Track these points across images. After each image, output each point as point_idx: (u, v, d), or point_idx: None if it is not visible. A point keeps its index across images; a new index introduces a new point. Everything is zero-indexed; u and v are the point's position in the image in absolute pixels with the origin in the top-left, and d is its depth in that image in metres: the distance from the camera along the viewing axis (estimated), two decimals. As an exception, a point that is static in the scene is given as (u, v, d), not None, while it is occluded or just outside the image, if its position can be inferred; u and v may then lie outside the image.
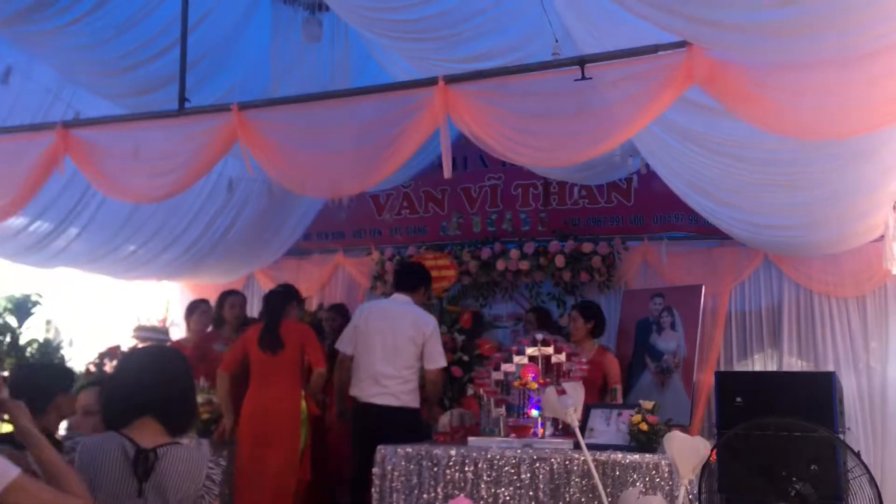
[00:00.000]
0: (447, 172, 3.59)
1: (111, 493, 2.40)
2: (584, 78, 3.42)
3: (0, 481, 2.07)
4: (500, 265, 7.33)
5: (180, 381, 2.63)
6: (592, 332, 5.82)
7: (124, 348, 5.56)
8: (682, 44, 3.15)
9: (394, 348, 5.28)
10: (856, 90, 2.90)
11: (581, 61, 3.43)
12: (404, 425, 5.12)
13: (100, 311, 7.66)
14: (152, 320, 6.19)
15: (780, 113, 2.99)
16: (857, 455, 3.91)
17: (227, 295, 6.30)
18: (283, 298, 5.59)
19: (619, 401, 5.50)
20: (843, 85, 2.91)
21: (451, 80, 3.77)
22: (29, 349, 5.74)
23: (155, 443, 2.47)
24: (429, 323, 5.42)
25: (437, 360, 5.37)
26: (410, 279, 5.63)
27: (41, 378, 3.29)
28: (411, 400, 5.29)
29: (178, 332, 7.39)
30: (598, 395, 5.53)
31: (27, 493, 2.09)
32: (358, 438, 5.23)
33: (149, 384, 2.52)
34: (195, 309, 6.31)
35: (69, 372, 3.58)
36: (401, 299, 5.53)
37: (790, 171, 3.94)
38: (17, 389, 3.01)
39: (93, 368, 5.57)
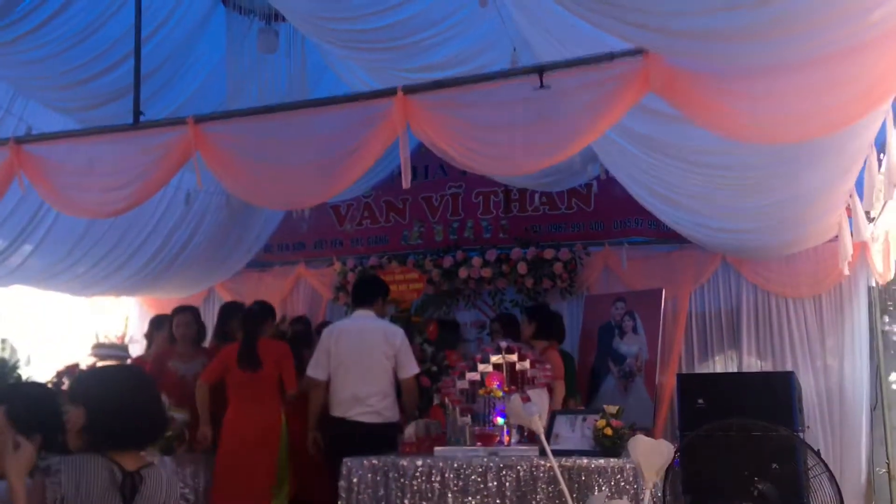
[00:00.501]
0: (406, 183, 3.59)
1: None
2: (542, 86, 3.44)
3: None
4: (463, 273, 7.34)
5: (157, 403, 2.72)
6: (536, 333, 5.84)
7: (83, 366, 5.44)
8: (638, 51, 3.18)
9: (369, 367, 5.38)
10: (813, 94, 2.94)
11: (539, 69, 3.45)
12: (388, 440, 5.18)
13: (57, 329, 7.49)
14: (111, 337, 6.07)
15: (738, 118, 3.03)
16: (817, 454, 3.99)
17: (175, 313, 6.16)
18: (259, 317, 5.66)
19: (562, 395, 5.51)
20: (801, 89, 2.95)
21: (410, 90, 3.76)
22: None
23: (136, 465, 2.54)
24: (397, 334, 5.52)
25: (410, 368, 5.48)
26: (368, 292, 5.70)
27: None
28: (392, 414, 5.42)
29: (136, 348, 7.25)
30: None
31: None
32: (339, 457, 5.16)
33: (136, 413, 2.56)
34: (161, 325, 6.23)
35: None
36: (363, 314, 5.57)
37: (747, 176, 4.01)
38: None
39: (50, 387, 5.45)
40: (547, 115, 3.52)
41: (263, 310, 5.79)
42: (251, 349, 5.46)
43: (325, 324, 6.72)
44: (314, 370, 5.47)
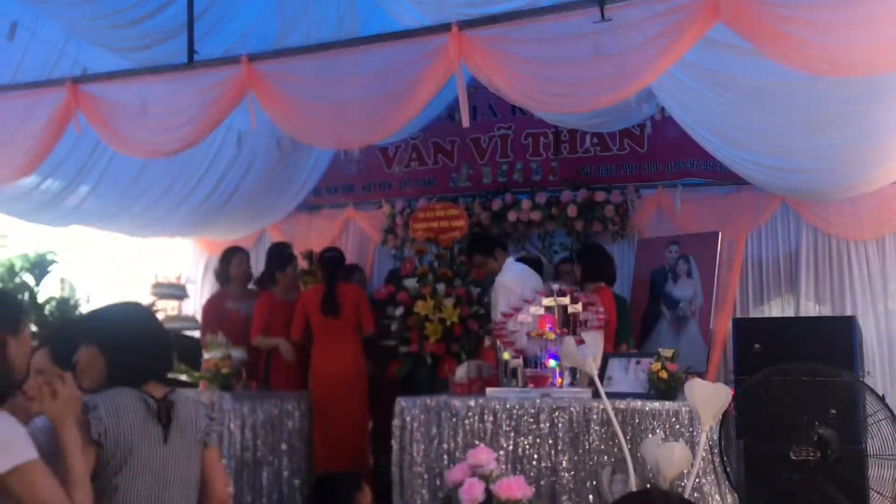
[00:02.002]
0: (465, 121, 3.53)
1: (141, 443, 2.45)
2: (603, 19, 3.32)
3: (11, 459, 2.06)
4: (512, 216, 7.26)
5: (165, 334, 2.79)
6: (584, 274, 5.76)
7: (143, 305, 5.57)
8: (707, -21, 3.04)
9: None
10: (885, 25, 2.81)
11: (600, 1, 3.32)
12: None
13: (116, 268, 7.65)
14: (169, 277, 6.19)
15: (808, 50, 2.90)
16: (882, 398, 3.90)
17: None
18: (337, 263, 6.02)
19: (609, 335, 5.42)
20: (873, 20, 2.82)
21: (465, 25, 3.68)
22: (47, 307, 5.76)
23: (162, 392, 2.59)
24: None
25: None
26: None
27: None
28: None
29: (193, 288, 7.39)
30: None
31: (32, 482, 2.08)
32: None
33: (150, 344, 2.62)
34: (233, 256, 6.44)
35: None
36: None
37: (814, 114, 3.86)
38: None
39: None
40: (608, 50, 3.42)
41: (341, 256, 6.16)
42: (332, 295, 5.81)
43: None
44: None
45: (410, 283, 6.05)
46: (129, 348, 2.55)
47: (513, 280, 5.37)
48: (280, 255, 6.22)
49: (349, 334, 5.88)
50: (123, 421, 2.43)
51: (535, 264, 6.31)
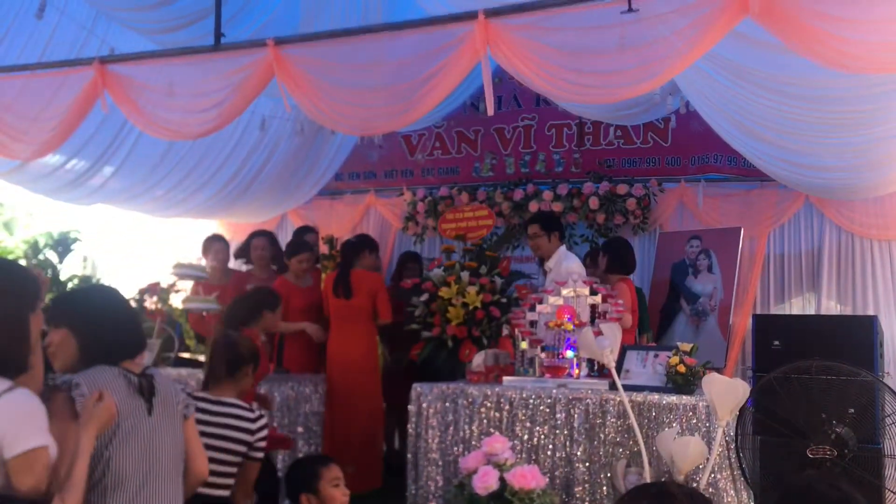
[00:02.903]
0: (490, 109, 3.52)
1: (129, 416, 2.54)
2: (630, 10, 3.30)
3: (23, 444, 2.13)
4: (533, 206, 7.25)
5: (134, 315, 2.93)
6: (609, 266, 5.79)
7: (164, 285, 5.63)
8: (736, -27, 3.01)
9: None
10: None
11: (629, -8, 3.30)
12: None
13: (139, 248, 7.73)
14: (190, 258, 6.25)
15: (839, 46, 2.87)
16: (901, 399, 3.87)
17: (252, 237, 6.49)
18: (354, 248, 6.13)
19: (626, 326, 5.38)
20: (906, 17, 2.78)
21: (492, 13, 3.66)
22: (70, 284, 5.84)
23: (139, 368, 2.67)
24: None
25: None
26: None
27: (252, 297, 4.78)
28: None
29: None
30: None
31: (35, 469, 2.14)
32: None
33: (121, 324, 2.69)
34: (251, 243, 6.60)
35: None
36: None
37: (843, 110, 3.82)
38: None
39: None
40: (634, 42, 3.39)
41: (360, 242, 6.22)
42: (345, 278, 5.94)
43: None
44: None
45: (437, 272, 6.08)
46: (105, 327, 2.62)
47: (578, 266, 5.49)
48: (292, 243, 6.34)
49: (362, 318, 5.99)
50: (107, 396, 2.49)
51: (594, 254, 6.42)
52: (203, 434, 3.11)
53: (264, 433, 3.57)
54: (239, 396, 3.65)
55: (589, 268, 6.08)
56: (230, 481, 3.45)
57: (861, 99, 3.66)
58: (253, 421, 3.53)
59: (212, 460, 3.09)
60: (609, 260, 5.83)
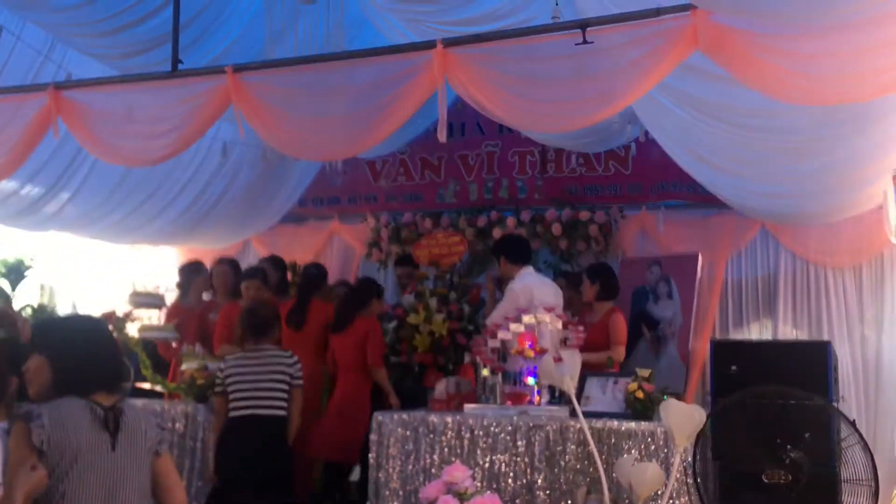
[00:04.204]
0: (442, 136, 3.56)
1: (89, 451, 2.49)
2: (585, 42, 3.36)
3: None
4: (497, 233, 7.28)
5: (115, 348, 2.83)
6: (600, 293, 5.65)
7: (119, 314, 5.53)
8: (686, 7, 3.08)
9: None
10: (863, 55, 2.85)
11: (583, 24, 3.36)
12: None
13: (95, 275, 7.61)
14: (147, 286, 6.17)
15: (787, 79, 2.94)
16: (853, 424, 3.92)
17: (216, 264, 6.34)
18: (313, 280, 6.05)
19: (619, 359, 5.37)
20: (851, 50, 2.87)
21: (450, 43, 3.71)
22: (23, 313, 5.72)
23: (111, 401, 2.61)
24: None
25: None
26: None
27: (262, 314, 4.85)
28: None
29: (172, 297, 7.35)
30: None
31: None
32: None
33: (97, 356, 2.64)
34: (199, 271, 6.42)
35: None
36: None
37: (792, 139, 3.91)
38: None
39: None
40: (590, 71, 3.46)
41: (318, 273, 6.15)
42: (300, 309, 5.80)
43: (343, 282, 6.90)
44: None
45: (408, 299, 6.22)
46: (76, 358, 2.58)
47: (520, 288, 5.17)
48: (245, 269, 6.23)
49: (311, 350, 5.67)
50: (69, 429, 2.45)
51: (567, 277, 6.32)
52: (253, 374, 4.67)
53: (298, 365, 4.78)
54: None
55: (568, 293, 5.83)
56: (284, 404, 4.71)
57: (809, 129, 3.75)
58: (289, 357, 4.79)
59: (266, 390, 4.66)
60: (601, 287, 5.66)
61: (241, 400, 4.66)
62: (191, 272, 6.48)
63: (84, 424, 2.49)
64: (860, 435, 3.91)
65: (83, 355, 2.60)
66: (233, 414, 4.67)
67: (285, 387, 4.71)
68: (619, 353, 5.42)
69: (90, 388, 2.57)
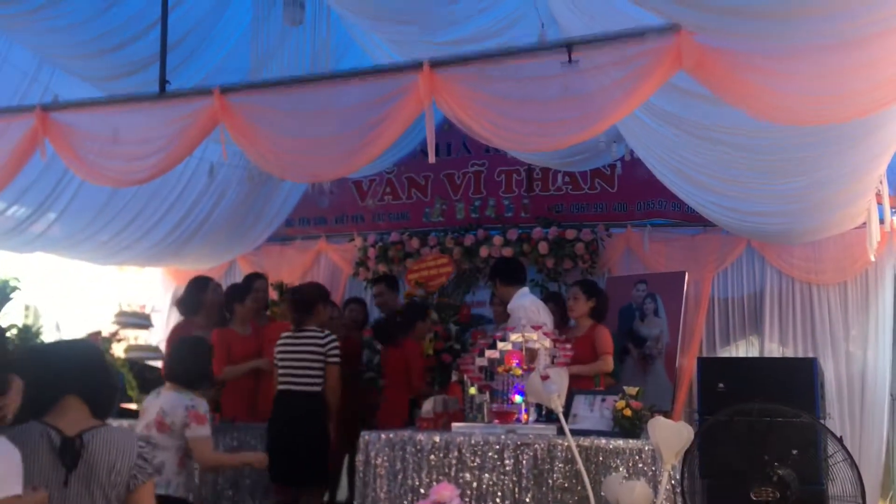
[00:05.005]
0: (431, 157, 3.57)
1: (40, 485, 2.33)
2: (570, 62, 3.39)
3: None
4: (484, 252, 7.32)
5: (99, 364, 2.65)
6: (593, 311, 5.64)
7: (105, 333, 5.50)
8: (670, 28, 3.12)
9: None
10: (846, 75, 2.90)
11: (568, 45, 3.40)
12: None
13: (81, 296, 7.56)
14: (133, 306, 6.12)
15: (771, 99, 2.98)
16: (840, 440, 3.94)
17: (207, 281, 6.25)
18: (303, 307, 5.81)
19: (608, 369, 5.43)
20: (834, 70, 2.91)
21: (437, 64, 3.73)
22: (8, 334, 5.65)
23: (79, 428, 2.43)
24: None
25: None
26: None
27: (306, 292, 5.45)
28: None
29: (158, 318, 7.30)
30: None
31: None
32: None
33: (72, 365, 2.52)
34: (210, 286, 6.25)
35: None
36: None
37: (778, 158, 3.95)
38: None
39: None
40: (575, 91, 3.48)
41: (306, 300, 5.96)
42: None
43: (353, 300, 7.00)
44: None
45: None
46: (38, 380, 2.47)
47: (531, 303, 5.43)
48: (239, 287, 6.20)
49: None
50: (27, 461, 2.28)
51: (557, 300, 6.30)
52: (292, 353, 5.29)
53: (334, 345, 5.26)
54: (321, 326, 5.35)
55: (556, 313, 5.87)
56: (319, 381, 5.23)
57: (793, 148, 3.79)
58: (322, 338, 5.28)
59: (301, 367, 5.23)
60: (596, 306, 5.65)
61: (281, 376, 5.29)
62: (198, 289, 6.25)
63: (35, 455, 2.33)
64: (847, 451, 3.92)
65: (51, 367, 2.48)
66: (278, 388, 5.30)
67: (319, 364, 5.21)
68: (608, 362, 5.45)
69: (52, 404, 2.43)
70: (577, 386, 4.84)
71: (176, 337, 5.98)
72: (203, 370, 4.40)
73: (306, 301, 5.37)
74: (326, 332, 5.33)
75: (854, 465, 3.88)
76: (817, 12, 2.57)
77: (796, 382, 4.80)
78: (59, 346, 2.72)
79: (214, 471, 4.91)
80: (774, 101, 3.05)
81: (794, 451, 4.06)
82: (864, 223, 5.25)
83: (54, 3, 4.42)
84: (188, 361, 4.34)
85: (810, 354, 6.15)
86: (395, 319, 6.31)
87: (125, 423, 5.11)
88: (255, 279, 6.27)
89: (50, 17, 4.48)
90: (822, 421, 4.63)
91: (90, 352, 2.71)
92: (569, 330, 5.71)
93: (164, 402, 4.20)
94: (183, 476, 4.17)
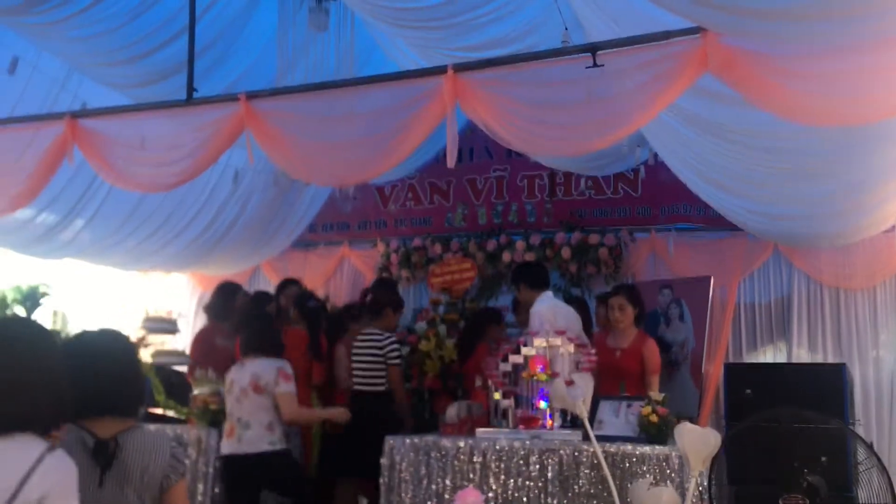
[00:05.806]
0: (451, 161, 3.57)
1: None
2: (595, 65, 3.38)
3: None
4: (507, 257, 7.30)
5: (131, 369, 2.59)
6: (637, 319, 5.38)
7: (132, 339, 5.54)
8: (695, 30, 3.11)
9: None
10: (874, 76, 2.86)
11: (593, 48, 3.39)
12: None
13: (110, 301, 7.64)
14: (160, 311, 6.17)
15: (797, 100, 2.95)
16: (870, 447, 3.89)
17: (237, 288, 6.28)
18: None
19: (653, 391, 5.01)
20: (861, 71, 2.88)
21: (461, 68, 3.74)
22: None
23: (113, 431, 2.42)
24: None
25: None
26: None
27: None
28: None
29: (184, 323, 7.37)
30: (638, 385, 5.15)
31: None
32: None
33: (104, 379, 2.45)
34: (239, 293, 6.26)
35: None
36: None
37: (805, 161, 3.91)
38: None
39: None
40: (600, 95, 3.47)
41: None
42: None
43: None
44: None
45: (421, 325, 6.43)
46: (71, 381, 2.30)
47: (547, 308, 5.23)
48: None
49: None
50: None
51: (580, 305, 6.23)
52: (358, 355, 5.53)
53: (393, 346, 5.50)
54: (386, 330, 5.61)
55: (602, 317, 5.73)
56: (380, 381, 5.47)
57: (822, 151, 3.76)
58: (382, 339, 5.50)
59: (364, 369, 5.48)
60: (640, 313, 5.36)
61: (352, 377, 5.57)
62: (228, 294, 6.25)
63: (74, 457, 2.27)
64: (878, 458, 3.87)
65: (84, 381, 2.38)
66: (351, 389, 5.58)
67: (381, 365, 5.46)
68: (654, 383, 5.16)
69: (86, 416, 2.40)
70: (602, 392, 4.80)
71: (200, 341, 6.03)
72: (277, 339, 5.07)
73: (374, 303, 5.66)
74: (386, 334, 5.53)
75: (885, 472, 3.83)
76: (845, 14, 2.54)
77: (825, 388, 4.76)
78: (96, 350, 2.53)
79: (297, 423, 5.27)
80: (802, 102, 3.02)
81: (824, 458, 4.02)
82: (894, 227, 5.18)
83: (84, 12, 4.48)
84: (266, 334, 5.02)
85: (839, 360, 6.07)
86: (364, 297, 6.13)
87: (152, 427, 5.14)
88: (239, 288, 6.33)
89: (80, 26, 4.54)
90: (851, 427, 4.57)
91: (120, 359, 2.58)
92: (608, 336, 5.43)
93: (255, 367, 4.85)
94: (278, 432, 4.83)
